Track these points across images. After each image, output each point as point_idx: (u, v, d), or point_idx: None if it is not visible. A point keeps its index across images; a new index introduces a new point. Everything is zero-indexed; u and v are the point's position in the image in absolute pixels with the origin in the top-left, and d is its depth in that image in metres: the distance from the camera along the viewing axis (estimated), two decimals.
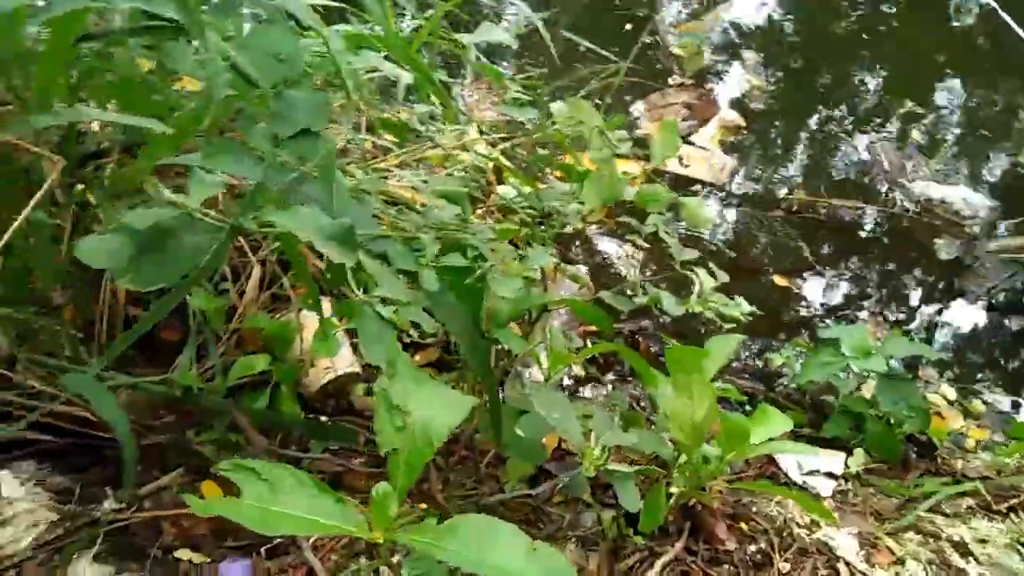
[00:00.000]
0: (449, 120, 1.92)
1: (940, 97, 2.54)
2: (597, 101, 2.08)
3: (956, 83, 2.58)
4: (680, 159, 2.36)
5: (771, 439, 1.25)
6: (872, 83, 2.57)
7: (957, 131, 2.44)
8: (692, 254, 1.27)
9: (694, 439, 1.17)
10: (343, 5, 1.42)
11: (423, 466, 0.76)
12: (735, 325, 1.23)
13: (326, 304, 1.19)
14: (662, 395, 1.21)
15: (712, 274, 1.23)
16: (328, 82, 1.34)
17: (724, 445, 1.20)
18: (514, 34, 1.47)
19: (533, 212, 1.46)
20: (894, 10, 2.77)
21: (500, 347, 1.28)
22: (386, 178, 1.62)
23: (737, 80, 2.54)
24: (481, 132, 2.06)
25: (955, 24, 2.79)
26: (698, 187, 2.27)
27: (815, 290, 2.07)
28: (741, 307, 1.20)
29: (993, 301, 2.00)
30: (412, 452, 0.75)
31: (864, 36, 2.71)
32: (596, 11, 2.76)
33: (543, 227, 1.51)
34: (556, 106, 1.42)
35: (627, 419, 1.37)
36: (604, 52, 2.08)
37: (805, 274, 2.09)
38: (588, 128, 1.31)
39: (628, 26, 2.63)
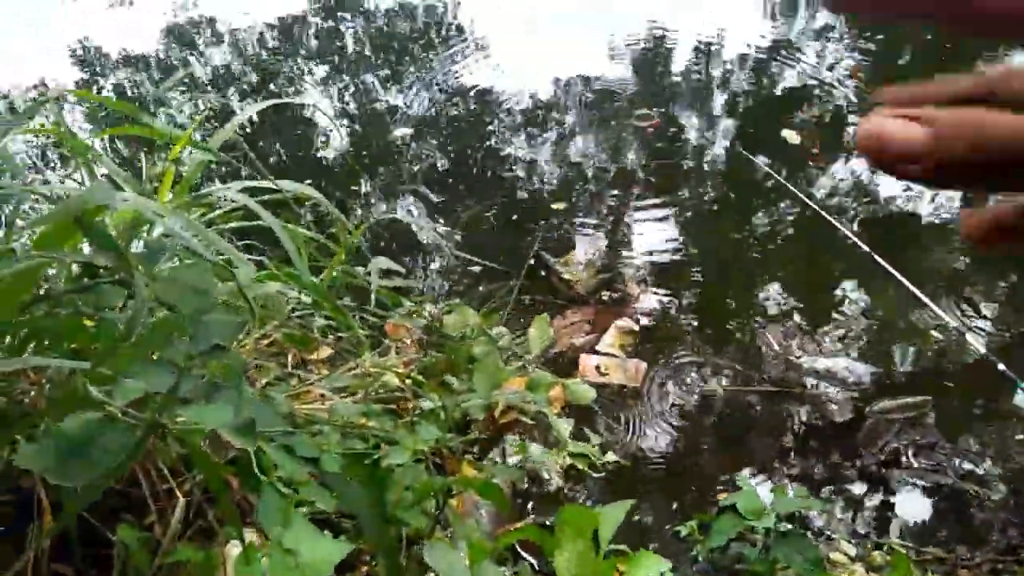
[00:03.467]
0: (364, 347, 2.21)
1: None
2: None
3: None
4: (598, 368, 2.68)
5: None
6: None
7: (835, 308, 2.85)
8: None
9: None
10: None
11: None
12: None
13: (250, 534, 1.36)
14: (557, 559, 1.37)
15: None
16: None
17: None
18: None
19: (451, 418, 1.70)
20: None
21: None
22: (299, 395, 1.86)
23: (628, 290, 2.96)
24: (397, 353, 2.36)
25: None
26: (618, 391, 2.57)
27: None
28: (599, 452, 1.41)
29: (885, 457, 2.25)
30: None
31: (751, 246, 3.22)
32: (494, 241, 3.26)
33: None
34: (448, 318, 1.73)
35: None
36: (499, 267, 2.48)
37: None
38: (472, 327, 1.61)
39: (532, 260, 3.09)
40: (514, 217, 3.40)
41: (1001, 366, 2.01)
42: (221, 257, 1.33)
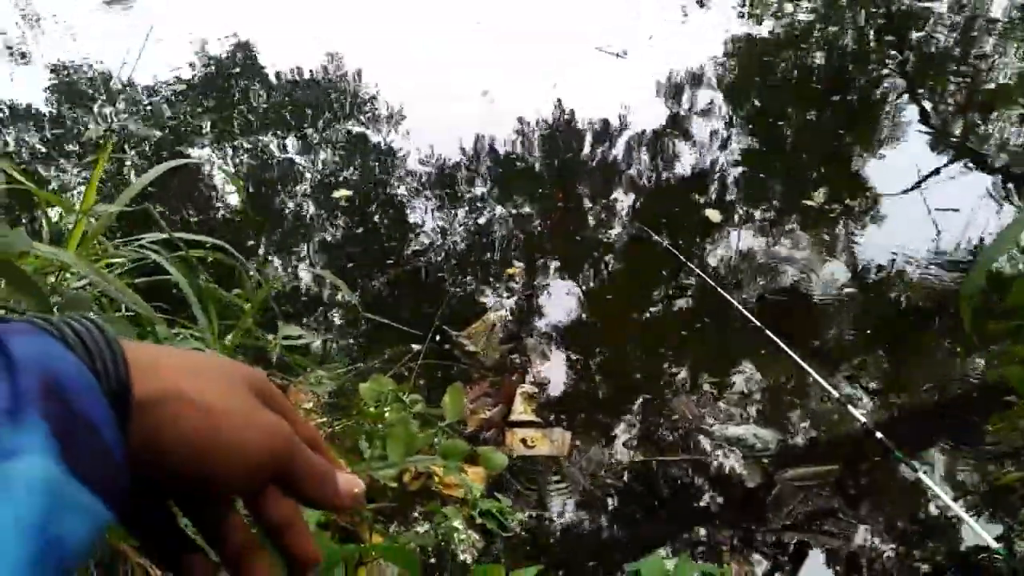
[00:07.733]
0: None
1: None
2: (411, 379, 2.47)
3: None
4: (524, 442, 2.70)
5: None
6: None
7: (738, 378, 3.02)
8: None
9: None
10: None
11: None
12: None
13: None
14: None
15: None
16: None
17: None
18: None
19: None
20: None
21: None
22: None
23: (532, 360, 3.07)
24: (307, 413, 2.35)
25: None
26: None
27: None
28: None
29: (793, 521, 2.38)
30: None
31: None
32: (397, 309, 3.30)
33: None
34: (363, 386, 1.74)
35: None
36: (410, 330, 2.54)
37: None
38: (386, 394, 1.63)
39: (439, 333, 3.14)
40: (421, 282, 3.47)
41: (879, 435, 2.16)
42: (132, 312, 1.32)
